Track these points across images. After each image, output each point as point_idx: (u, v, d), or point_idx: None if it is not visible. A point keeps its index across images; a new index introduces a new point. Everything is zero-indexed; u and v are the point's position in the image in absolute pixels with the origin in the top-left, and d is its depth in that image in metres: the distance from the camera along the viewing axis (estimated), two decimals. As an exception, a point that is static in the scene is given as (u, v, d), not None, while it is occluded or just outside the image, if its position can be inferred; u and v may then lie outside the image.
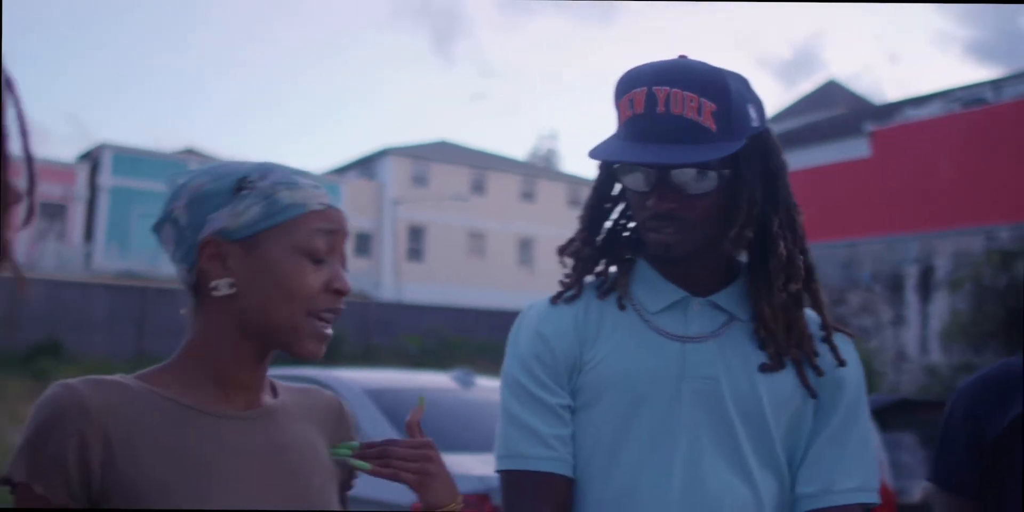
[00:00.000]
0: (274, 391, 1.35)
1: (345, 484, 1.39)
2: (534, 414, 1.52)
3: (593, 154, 1.52)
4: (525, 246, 39.08)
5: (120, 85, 77.55)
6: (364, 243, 35.40)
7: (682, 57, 1.50)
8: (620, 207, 1.62)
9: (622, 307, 1.56)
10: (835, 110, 29.44)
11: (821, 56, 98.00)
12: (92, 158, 32.83)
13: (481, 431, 4.43)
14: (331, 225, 1.28)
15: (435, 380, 5.68)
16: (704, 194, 1.47)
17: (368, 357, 21.39)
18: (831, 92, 34.57)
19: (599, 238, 1.62)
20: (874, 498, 1.52)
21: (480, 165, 39.37)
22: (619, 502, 1.48)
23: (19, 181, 0.76)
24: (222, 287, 1.25)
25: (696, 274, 1.56)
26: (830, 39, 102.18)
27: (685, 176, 1.46)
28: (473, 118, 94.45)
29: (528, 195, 39.97)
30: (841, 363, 1.55)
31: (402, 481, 1.32)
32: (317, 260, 1.26)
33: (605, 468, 1.50)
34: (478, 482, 3.88)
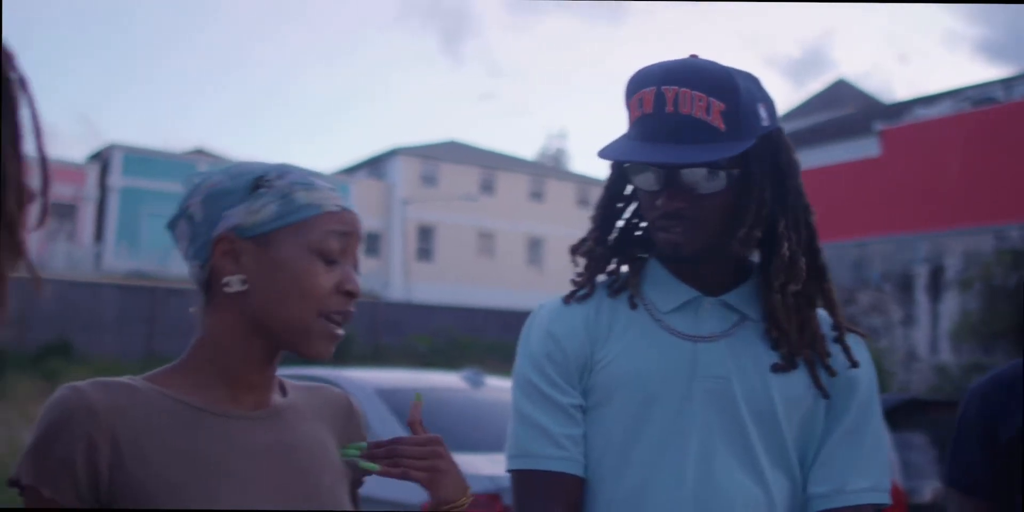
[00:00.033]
0: (283, 390, 1.35)
1: (356, 483, 1.38)
2: (545, 413, 1.52)
3: (603, 154, 1.52)
4: (534, 246, 39.08)
5: (130, 85, 77.78)
6: (373, 243, 35.42)
7: (693, 57, 1.51)
8: (633, 206, 1.62)
9: (633, 306, 1.56)
10: (844, 109, 29.37)
11: (830, 55, 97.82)
12: (102, 158, 32.91)
13: (491, 431, 4.43)
14: (345, 227, 1.28)
15: (445, 380, 5.68)
16: (713, 193, 1.47)
17: (378, 357, 21.40)
18: (840, 91, 34.49)
19: (611, 237, 1.62)
20: (886, 498, 1.52)
21: (489, 165, 39.38)
22: (630, 502, 1.48)
23: (32, 181, 0.76)
24: (234, 283, 1.25)
25: (707, 274, 1.55)
26: (839, 38, 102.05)
27: (694, 176, 1.46)
28: (482, 118, 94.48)
29: (537, 195, 39.96)
30: (854, 364, 1.54)
31: (413, 480, 1.32)
32: (330, 261, 1.26)
33: (616, 468, 1.50)
34: (488, 482, 3.88)
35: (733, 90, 1.44)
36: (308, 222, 1.26)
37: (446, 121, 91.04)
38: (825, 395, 1.52)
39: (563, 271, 1.66)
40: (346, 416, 1.40)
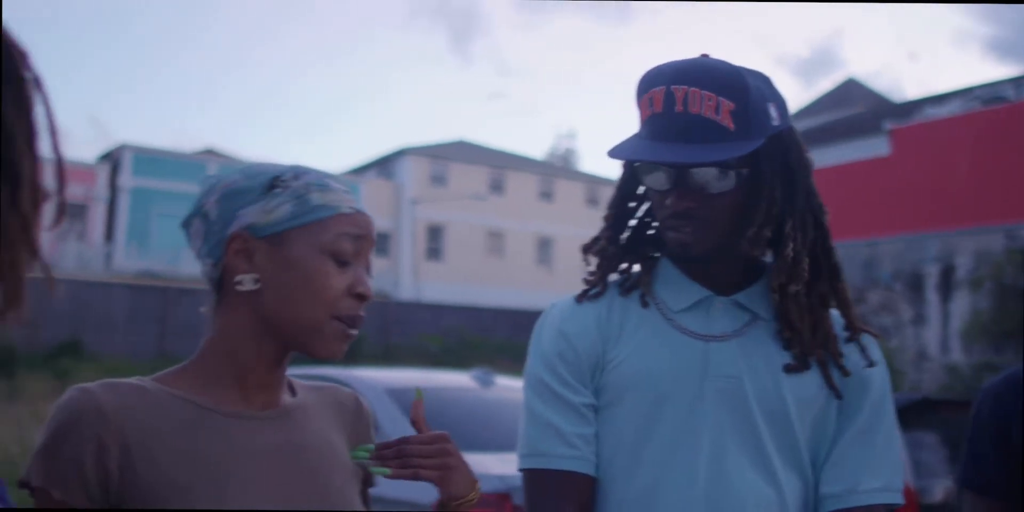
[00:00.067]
0: (292, 390, 1.36)
1: (367, 482, 1.39)
2: (557, 413, 1.52)
3: (612, 153, 1.52)
4: (543, 245, 39.07)
5: (140, 86, 77.98)
6: (383, 243, 35.42)
7: (703, 56, 1.50)
8: (646, 206, 1.62)
9: (645, 305, 1.56)
10: (854, 109, 29.30)
11: (840, 54, 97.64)
12: (112, 159, 32.98)
13: (501, 430, 4.43)
14: (359, 230, 1.29)
15: (455, 379, 5.68)
16: (723, 193, 1.47)
17: (388, 357, 21.41)
18: (850, 90, 34.41)
19: (624, 236, 1.62)
20: (898, 498, 1.51)
21: (498, 164, 39.38)
22: (642, 501, 1.48)
23: (47, 180, 0.76)
24: (247, 282, 1.25)
25: (719, 273, 1.55)
26: (849, 37, 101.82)
27: (704, 175, 1.45)
28: (491, 117, 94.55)
29: (546, 194, 39.94)
30: (871, 363, 1.54)
31: (424, 479, 1.32)
32: (342, 262, 1.26)
33: (628, 467, 1.50)
34: (498, 481, 3.88)
35: (743, 89, 1.44)
36: (322, 223, 1.26)
37: (455, 121, 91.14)
38: (838, 395, 1.52)
39: (573, 271, 1.66)
40: (355, 415, 1.40)
